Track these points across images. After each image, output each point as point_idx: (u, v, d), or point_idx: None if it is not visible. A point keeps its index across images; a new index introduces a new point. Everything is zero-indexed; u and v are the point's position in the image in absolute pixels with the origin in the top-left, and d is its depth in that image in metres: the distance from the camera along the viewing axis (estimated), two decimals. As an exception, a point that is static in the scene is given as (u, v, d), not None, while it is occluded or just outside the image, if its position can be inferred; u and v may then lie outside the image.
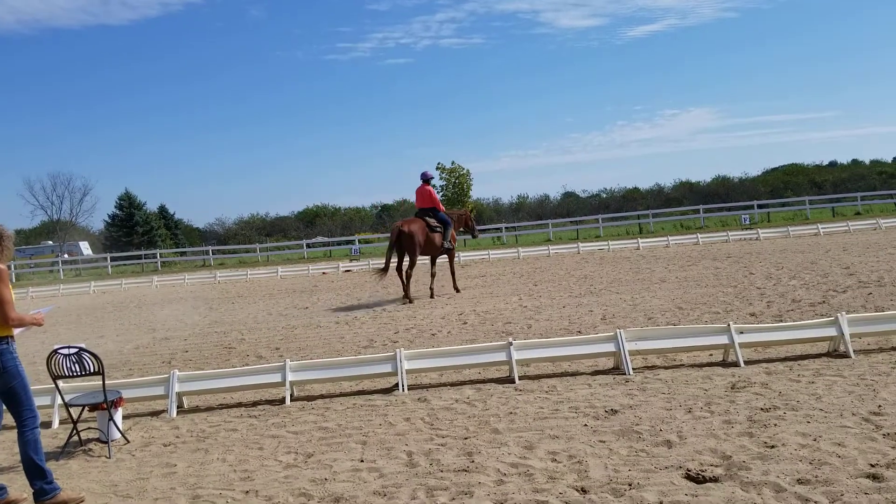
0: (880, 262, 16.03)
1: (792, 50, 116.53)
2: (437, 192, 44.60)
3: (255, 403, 7.69)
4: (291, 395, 7.65)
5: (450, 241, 16.38)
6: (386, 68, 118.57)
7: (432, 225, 16.01)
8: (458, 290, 16.89)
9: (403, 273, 15.94)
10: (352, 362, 7.99)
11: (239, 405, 7.68)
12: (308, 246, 42.38)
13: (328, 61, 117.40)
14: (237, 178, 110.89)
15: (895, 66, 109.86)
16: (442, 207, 16.62)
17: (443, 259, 17.37)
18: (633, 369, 7.63)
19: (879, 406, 5.79)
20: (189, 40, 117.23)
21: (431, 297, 16.28)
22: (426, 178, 16.38)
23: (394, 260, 16.07)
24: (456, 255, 19.51)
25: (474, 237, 18.72)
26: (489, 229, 43.30)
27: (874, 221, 29.17)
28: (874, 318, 8.12)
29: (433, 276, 16.79)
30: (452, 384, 7.75)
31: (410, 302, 15.59)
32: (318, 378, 7.83)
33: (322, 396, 7.73)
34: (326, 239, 45.94)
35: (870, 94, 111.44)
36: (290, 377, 7.68)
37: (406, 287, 15.84)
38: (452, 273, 17.26)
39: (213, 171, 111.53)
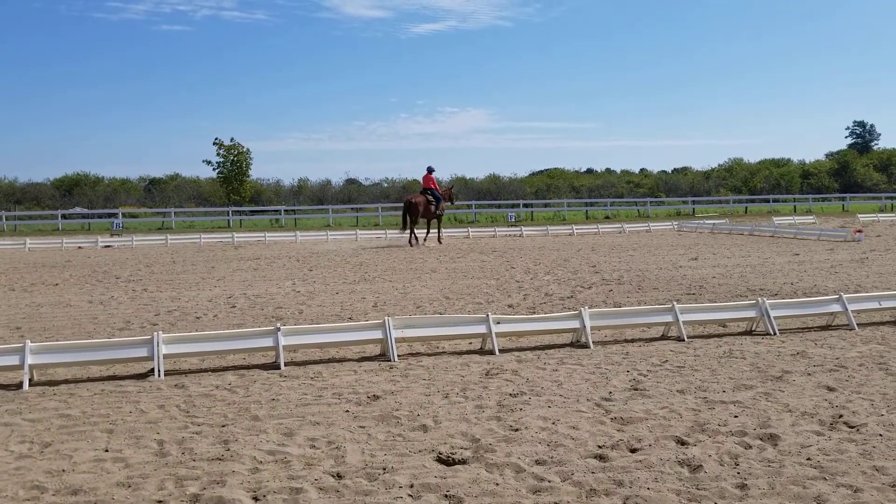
0: (622, 263, 17.90)
1: (558, 62, 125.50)
2: (215, 169, 43.95)
3: (-17, 389, 6.89)
4: (31, 380, 6.96)
5: (441, 209, 24.78)
6: (161, 34, 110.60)
7: (429, 199, 24.01)
8: (441, 242, 25.15)
9: (409, 228, 24.13)
10: (103, 345, 7.44)
11: (-36, 391, 6.84)
12: (64, 217, 38.53)
13: (96, 19, 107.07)
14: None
15: (646, 83, 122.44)
16: (438, 189, 24.80)
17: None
18: (399, 356, 7.87)
19: (610, 392, 6.48)
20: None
21: (425, 242, 24.54)
22: (430, 170, 24.83)
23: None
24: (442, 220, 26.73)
25: (452, 204, 28.61)
26: (268, 210, 42.26)
27: (620, 226, 32.52)
28: (611, 313, 9.07)
29: (428, 232, 25.14)
30: (214, 370, 7.48)
31: (417, 245, 23.98)
32: (62, 361, 7.20)
33: (67, 381, 7.11)
34: (86, 210, 41.93)
35: (623, 109, 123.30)
36: (30, 360, 6.97)
37: (412, 236, 24.19)
38: (439, 230, 25.76)
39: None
